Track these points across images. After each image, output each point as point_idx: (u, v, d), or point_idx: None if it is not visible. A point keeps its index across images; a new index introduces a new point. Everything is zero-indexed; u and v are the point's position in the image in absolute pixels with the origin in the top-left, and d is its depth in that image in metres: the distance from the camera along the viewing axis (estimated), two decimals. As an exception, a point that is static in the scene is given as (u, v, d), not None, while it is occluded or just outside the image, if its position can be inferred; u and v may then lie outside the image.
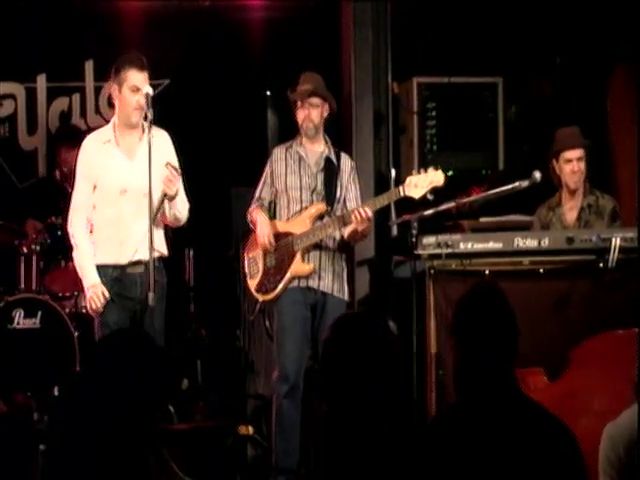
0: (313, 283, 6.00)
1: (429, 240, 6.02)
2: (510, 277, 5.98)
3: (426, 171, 5.88)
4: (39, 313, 6.87)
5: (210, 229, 7.10)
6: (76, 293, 7.09)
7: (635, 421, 3.14)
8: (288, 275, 5.99)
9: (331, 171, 6.10)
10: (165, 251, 5.74)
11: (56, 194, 7.43)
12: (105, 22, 8.04)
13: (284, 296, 6.00)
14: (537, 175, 6.01)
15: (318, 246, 6.02)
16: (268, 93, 8.12)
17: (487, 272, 6.01)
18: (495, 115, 7.41)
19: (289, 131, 6.32)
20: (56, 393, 6.75)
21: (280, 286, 6.00)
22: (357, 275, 6.70)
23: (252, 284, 6.17)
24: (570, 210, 6.54)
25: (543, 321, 5.82)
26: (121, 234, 5.59)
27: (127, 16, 8.13)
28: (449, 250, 6.00)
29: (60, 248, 7.02)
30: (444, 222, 6.62)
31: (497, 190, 6.21)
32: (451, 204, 6.15)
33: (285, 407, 5.93)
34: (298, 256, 6.00)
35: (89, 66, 8.33)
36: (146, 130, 5.53)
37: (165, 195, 5.55)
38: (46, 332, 6.85)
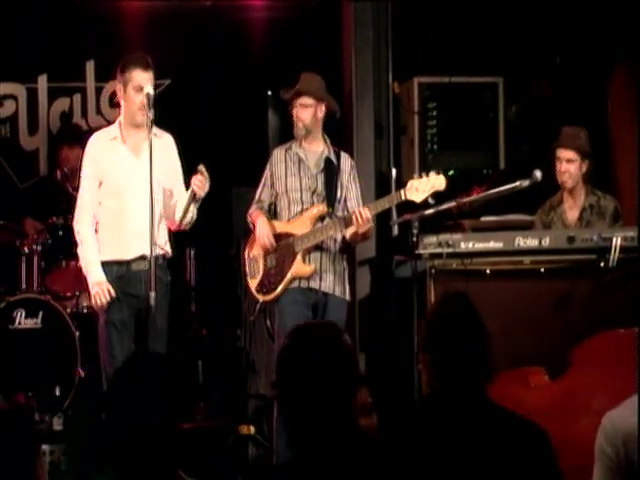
0: (314, 284, 6.00)
1: (430, 240, 6.02)
2: (511, 276, 6.00)
3: (428, 175, 5.89)
4: (40, 313, 6.87)
5: (211, 229, 7.08)
6: (77, 293, 7.09)
7: (635, 412, 3.15)
8: (289, 276, 5.99)
9: (331, 171, 6.10)
10: (169, 250, 5.76)
11: (57, 194, 7.43)
12: (106, 22, 8.04)
13: (285, 296, 6.01)
14: (538, 174, 6.01)
15: (319, 247, 6.03)
16: (269, 93, 8.11)
17: (488, 271, 6.01)
18: (496, 115, 7.40)
19: (290, 131, 6.31)
20: (57, 393, 6.75)
21: (280, 287, 6.01)
22: (358, 275, 6.70)
23: (253, 284, 6.17)
24: (571, 209, 6.54)
25: (544, 320, 5.83)
26: (126, 230, 5.62)
27: (128, 16, 8.13)
28: (450, 250, 6.00)
29: (61, 248, 7.03)
30: (445, 222, 6.62)
31: (498, 190, 6.21)
32: (452, 204, 6.14)
33: (286, 407, 5.92)
34: (299, 257, 6.00)
35: (90, 66, 8.33)
36: (154, 129, 5.58)
37: (194, 197, 5.60)
38: (47, 332, 6.85)
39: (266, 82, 8.08)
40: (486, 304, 5.83)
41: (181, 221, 5.73)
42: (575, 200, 6.54)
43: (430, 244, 6.02)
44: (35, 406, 6.56)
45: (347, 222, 5.92)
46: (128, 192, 5.64)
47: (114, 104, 7.84)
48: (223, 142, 8.01)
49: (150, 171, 5.45)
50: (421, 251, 6.02)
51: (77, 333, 6.84)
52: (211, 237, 7.53)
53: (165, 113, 5.82)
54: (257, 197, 6.20)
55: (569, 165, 6.45)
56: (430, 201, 5.86)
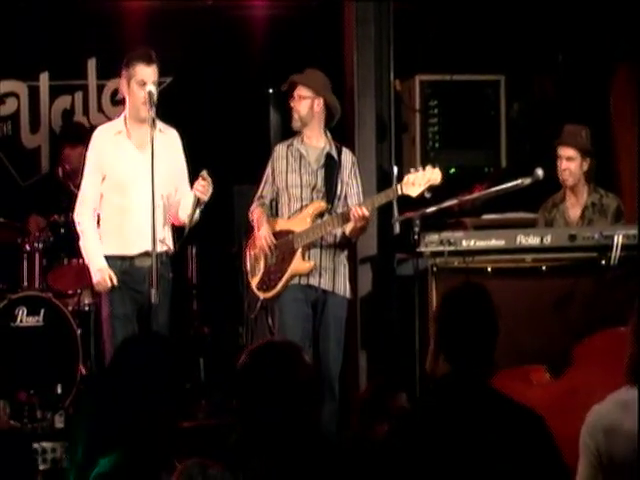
0: (313, 281, 6.00)
1: (431, 237, 6.02)
2: (512, 274, 5.99)
3: (424, 169, 5.89)
4: (42, 311, 6.87)
5: (212, 226, 7.07)
6: (79, 291, 7.10)
7: (616, 408, 3.16)
8: (288, 273, 6.00)
9: (332, 167, 6.11)
10: (172, 247, 5.77)
11: (59, 192, 7.44)
12: (107, 20, 8.05)
13: (285, 294, 6.01)
14: (539, 172, 6.01)
15: (319, 244, 6.03)
16: (270, 91, 8.11)
17: (489, 269, 6.01)
18: (497, 113, 7.40)
19: (291, 129, 6.32)
20: (59, 391, 6.75)
21: (280, 284, 6.01)
22: (360, 273, 6.70)
23: (253, 282, 6.18)
24: (573, 207, 6.54)
25: (545, 318, 5.82)
26: (129, 225, 5.63)
27: (130, 14, 8.14)
28: (451, 247, 6.00)
29: (63, 246, 7.04)
30: (446, 219, 6.62)
31: (499, 187, 6.21)
32: (453, 201, 6.15)
33: (287, 404, 5.93)
34: (298, 254, 6.00)
35: (92, 64, 8.33)
36: (157, 125, 5.59)
37: (199, 201, 5.61)
38: (49, 330, 6.86)
39: (267, 80, 8.08)
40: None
41: (187, 222, 5.73)
42: (577, 198, 6.54)
43: (432, 242, 6.01)
44: (37, 404, 6.57)
45: (346, 218, 5.92)
46: (132, 187, 5.64)
47: (116, 102, 7.86)
48: (224, 140, 8.02)
49: (152, 168, 5.45)
50: (423, 249, 6.02)
51: (79, 331, 6.85)
52: (213, 235, 7.53)
53: (167, 111, 5.82)
54: (259, 193, 6.20)
55: (569, 163, 6.45)
56: (426, 195, 5.85)
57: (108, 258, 5.66)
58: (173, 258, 5.84)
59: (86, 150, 5.85)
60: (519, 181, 6.07)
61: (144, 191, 5.57)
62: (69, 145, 7.52)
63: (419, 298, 5.97)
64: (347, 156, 6.19)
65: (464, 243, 6.03)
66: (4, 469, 2.93)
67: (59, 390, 6.76)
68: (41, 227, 7.19)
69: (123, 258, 5.66)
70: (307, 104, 6.08)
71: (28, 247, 7.12)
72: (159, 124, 5.65)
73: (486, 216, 6.76)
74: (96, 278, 5.65)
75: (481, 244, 6.04)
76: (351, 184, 6.14)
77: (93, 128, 6.14)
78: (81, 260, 6.69)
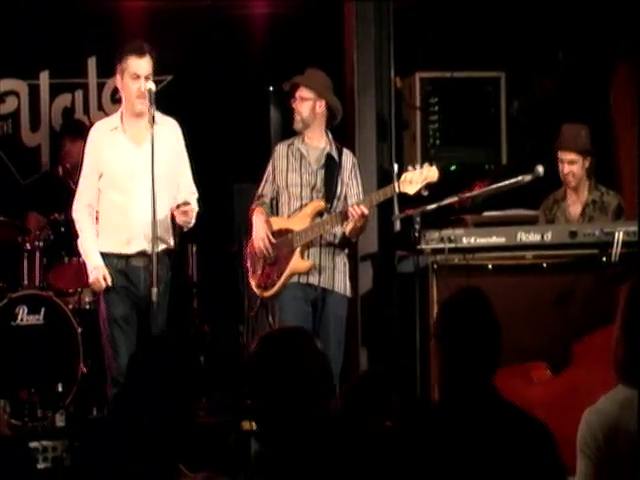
0: (313, 279, 6.00)
1: (432, 235, 6.02)
2: (513, 271, 6.00)
3: (421, 167, 5.89)
4: (43, 309, 6.86)
5: (213, 225, 7.09)
6: (80, 289, 7.09)
7: (614, 406, 3.16)
8: (287, 272, 6.00)
9: (332, 168, 6.11)
10: (172, 243, 5.74)
11: (59, 190, 7.43)
12: (108, 19, 8.04)
13: (285, 292, 6.01)
14: (540, 169, 6.00)
15: (318, 242, 6.03)
16: (271, 89, 8.11)
17: (490, 267, 6.01)
18: (498, 110, 7.39)
19: (292, 127, 6.31)
20: (60, 389, 6.75)
21: (279, 282, 6.01)
22: (360, 270, 6.69)
23: (253, 280, 6.18)
24: (574, 204, 6.54)
25: (546, 315, 5.82)
26: (126, 223, 5.60)
27: (130, 13, 8.14)
28: (452, 245, 6.00)
29: (63, 244, 7.03)
30: (447, 217, 6.61)
31: (500, 184, 6.20)
32: (454, 199, 6.15)
33: (287, 402, 5.93)
34: (297, 252, 6.00)
35: (92, 63, 8.33)
36: (155, 117, 5.54)
37: (182, 229, 5.63)
38: (50, 328, 6.85)
39: (268, 78, 8.08)
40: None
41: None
42: (578, 195, 6.54)
43: (432, 239, 6.02)
44: (37, 402, 6.57)
45: (345, 217, 5.92)
46: (129, 183, 5.61)
47: (116, 100, 7.84)
48: (225, 138, 8.01)
49: (152, 167, 5.41)
50: (423, 246, 6.02)
51: (79, 329, 6.84)
52: (213, 233, 7.53)
53: (167, 109, 5.81)
54: (259, 192, 6.20)
55: (572, 166, 6.45)
56: (423, 193, 5.86)
57: (104, 255, 5.63)
58: (173, 256, 5.81)
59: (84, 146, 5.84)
60: (519, 178, 6.06)
61: (141, 187, 5.54)
62: (69, 141, 7.52)
63: (420, 295, 5.97)
64: (348, 157, 6.19)
65: (465, 240, 6.03)
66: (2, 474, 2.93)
67: (60, 389, 6.76)
68: (40, 225, 7.18)
69: (119, 256, 5.63)
70: (309, 106, 6.08)
71: (28, 245, 7.11)
72: (157, 115, 5.58)
73: (487, 213, 6.75)
74: (91, 277, 5.63)
75: (482, 241, 6.04)
76: (351, 185, 6.14)
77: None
78: (81, 258, 6.69)
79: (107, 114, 7.97)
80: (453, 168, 7.16)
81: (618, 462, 3.11)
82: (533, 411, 3.27)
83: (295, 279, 6.02)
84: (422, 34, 7.58)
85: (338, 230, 6.05)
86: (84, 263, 5.81)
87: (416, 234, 6.01)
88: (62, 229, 7.05)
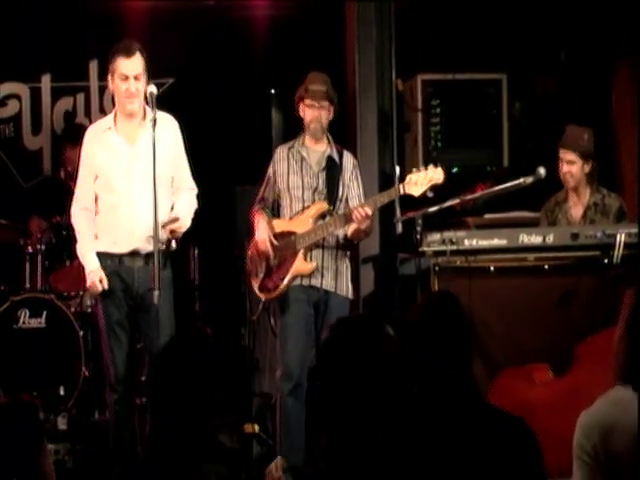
0: (315, 281, 6.00)
1: (434, 237, 6.01)
2: (515, 273, 5.99)
3: (426, 169, 5.89)
4: (44, 313, 6.87)
5: (215, 228, 7.10)
6: (81, 292, 7.09)
7: (609, 407, 3.15)
8: (290, 274, 5.99)
9: (333, 170, 6.10)
10: (173, 244, 5.69)
11: (61, 193, 7.41)
12: (109, 22, 8.03)
13: (287, 295, 6.00)
14: (541, 171, 6.00)
15: (320, 245, 6.02)
16: (272, 91, 8.11)
17: (492, 269, 6.01)
18: (499, 112, 7.39)
19: (293, 129, 6.32)
20: (62, 392, 6.75)
21: (282, 285, 6.00)
22: (362, 272, 6.70)
23: (255, 283, 6.17)
24: (575, 207, 6.52)
25: (548, 317, 5.81)
26: (118, 222, 5.57)
27: (131, 15, 8.14)
28: (454, 247, 5.99)
29: (65, 247, 7.03)
30: (449, 219, 6.61)
31: (501, 186, 6.20)
32: (455, 201, 6.14)
33: (289, 405, 5.94)
34: (300, 255, 6.00)
35: (93, 66, 8.34)
36: (147, 115, 5.52)
37: (170, 242, 5.60)
38: (51, 332, 6.86)
39: (269, 80, 8.08)
40: (490, 301, 5.89)
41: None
42: (580, 198, 6.52)
43: (434, 241, 6.01)
44: (39, 405, 6.56)
45: (348, 219, 5.92)
46: (122, 183, 5.57)
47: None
48: (226, 141, 8.01)
49: (154, 171, 5.36)
50: (425, 248, 6.01)
51: (81, 332, 6.85)
52: (215, 236, 7.53)
53: (168, 112, 5.80)
54: (260, 195, 6.19)
55: (570, 166, 6.43)
56: (429, 194, 5.85)
57: (100, 255, 5.59)
58: (173, 256, 5.77)
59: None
60: (521, 180, 6.06)
61: (136, 187, 5.53)
62: (70, 146, 7.51)
63: (421, 297, 5.96)
64: (348, 159, 6.18)
65: (466, 242, 6.02)
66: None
67: (62, 392, 6.77)
68: (42, 229, 7.18)
69: (112, 256, 5.59)
70: (327, 114, 6.08)
71: (30, 249, 7.12)
72: (150, 112, 5.53)
73: (488, 215, 6.75)
74: (88, 281, 5.60)
75: (483, 243, 6.03)
76: (352, 187, 6.14)
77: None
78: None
79: (109, 117, 8.00)
80: (455, 170, 7.16)
81: (614, 465, 3.10)
82: (535, 412, 3.29)
83: (298, 281, 6.01)
84: (423, 36, 7.58)
85: (340, 232, 6.05)
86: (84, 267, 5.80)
87: (418, 236, 6.00)
88: (64, 232, 7.05)
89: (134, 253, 5.57)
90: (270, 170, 6.18)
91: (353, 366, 2.87)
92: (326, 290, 6.01)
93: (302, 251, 6.00)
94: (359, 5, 6.97)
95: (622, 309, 3.30)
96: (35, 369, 6.77)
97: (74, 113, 8.38)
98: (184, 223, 5.63)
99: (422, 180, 5.83)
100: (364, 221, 5.85)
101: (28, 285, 7.08)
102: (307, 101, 6.06)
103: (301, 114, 6.12)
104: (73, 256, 6.90)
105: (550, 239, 6.02)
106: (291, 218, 6.09)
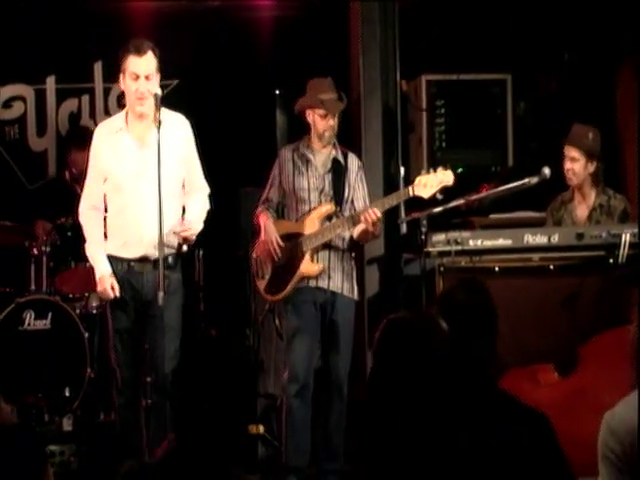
0: (322, 283, 5.99)
1: (438, 237, 6.02)
2: (520, 274, 5.99)
3: (435, 171, 5.89)
4: (49, 314, 6.86)
5: (219, 229, 7.08)
6: (86, 294, 7.09)
7: (635, 411, 3.13)
8: (297, 275, 5.99)
9: (338, 172, 6.10)
10: (184, 247, 5.63)
11: (66, 195, 7.42)
12: (113, 23, 8.03)
13: (293, 296, 6.00)
14: (546, 171, 6.00)
15: (327, 246, 6.02)
16: (277, 92, 8.10)
17: (497, 269, 6.00)
18: (504, 111, 7.38)
19: (298, 131, 6.31)
20: (67, 394, 6.75)
21: (289, 286, 6.00)
22: (367, 273, 6.69)
23: (261, 284, 6.16)
24: (581, 207, 6.51)
25: (553, 317, 5.82)
26: (128, 226, 5.52)
27: (135, 17, 8.13)
28: (459, 247, 6.00)
29: (70, 249, 7.03)
30: (453, 219, 6.61)
31: (506, 187, 6.20)
32: (460, 201, 6.14)
33: (295, 406, 5.94)
34: (307, 256, 6.00)
35: (98, 67, 8.33)
36: (158, 116, 5.44)
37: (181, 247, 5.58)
38: (57, 333, 6.85)
39: (274, 81, 8.08)
40: (495, 301, 5.88)
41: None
42: (585, 198, 6.51)
43: (439, 242, 6.01)
44: (45, 407, 6.57)
45: (355, 221, 5.91)
46: (131, 186, 5.51)
47: (123, 105, 7.84)
48: (231, 142, 8.01)
49: (159, 174, 5.33)
50: (430, 249, 6.02)
51: (86, 334, 6.84)
52: (219, 237, 7.53)
53: (173, 113, 5.80)
54: (265, 196, 6.19)
55: (573, 164, 6.42)
56: (438, 196, 5.85)
57: (111, 259, 5.57)
58: (182, 259, 5.75)
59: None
60: (526, 180, 6.06)
61: (145, 190, 5.44)
62: (75, 150, 7.51)
63: (426, 298, 5.96)
64: (353, 161, 6.18)
65: (471, 243, 6.03)
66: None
67: (67, 393, 6.76)
68: (48, 230, 7.17)
69: (121, 261, 5.56)
70: (337, 120, 6.08)
71: (35, 250, 7.10)
72: (162, 113, 5.48)
73: (493, 215, 6.75)
74: (99, 287, 5.58)
75: (488, 243, 6.03)
76: (357, 188, 6.14)
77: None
78: (88, 263, 6.69)
79: (113, 118, 8.01)
80: (460, 170, 7.13)
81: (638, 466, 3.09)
82: (540, 413, 3.26)
83: (304, 283, 6.01)
84: (427, 36, 7.58)
85: (347, 234, 6.05)
86: (92, 268, 5.78)
87: (422, 237, 6.01)
88: (69, 234, 7.04)
89: (143, 259, 5.52)
90: (275, 171, 6.17)
91: (408, 366, 2.85)
92: (333, 291, 6.01)
93: (309, 252, 6.00)
94: (363, 5, 6.96)
95: (633, 309, 3.29)
96: (40, 370, 6.76)
97: (79, 115, 8.37)
98: (195, 228, 5.59)
99: (432, 182, 5.83)
100: (374, 224, 5.84)
101: (33, 287, 7.07)
102: (320, 111, 6.04)
103: (309, 120, 6.10)
104: (78, 258, 6.92)
105: (555, 239, 6.02)
106: (297, 219, 6.09)
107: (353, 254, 6.16)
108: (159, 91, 5.51)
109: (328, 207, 6.04)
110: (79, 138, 7.61)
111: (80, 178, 7.21)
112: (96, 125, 7.99)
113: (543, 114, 7.77)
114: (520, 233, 6.06)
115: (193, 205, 5.68)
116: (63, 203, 7.32)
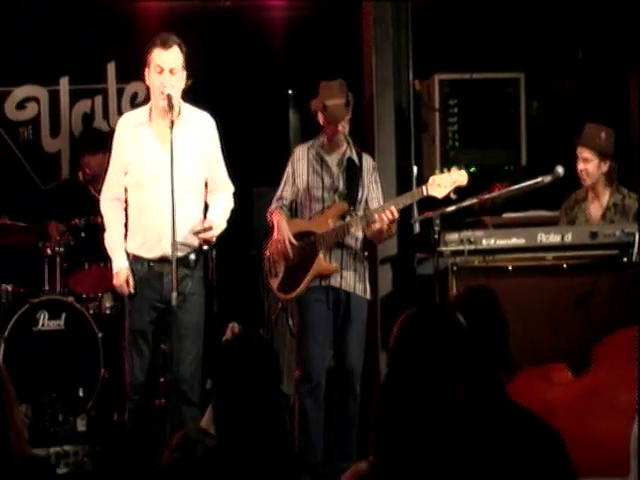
0: (335, 282, 5.99)
1: (452, 237, 6.01)
2: (533, 273, 5.98)
3: (449, 170, 5.88)
4: (63, 315, 6.89)
5: (232, 228, 7.08)
6: (100, 294, 7.10)
7: None
8: (310, 274, 5.99)
9: (353, 171, 6.10)
10: (199, 245, 5.55)
11: (79, 196, 7.45)
12: (127, 24, 8.05)
13: (306, 295, 6.00)
14: (560, 170, 5.98)
15: (340, 245, 6.02)
16: (290, 92, 8.11)
17: (510, 268, 5.99)
18: (517, 111, 7.36)
19: (311, 130, 6.31)
20: (81, 394, 6.77)
21: (302, 285, 5.99)
22: (380, 272, 6.69)
23: (274, 283, 6.16)
24: (595, 207, 6.49)
25: (567, 316, 5.80)
26: (148, 225, 5.45)
27: (148, 17, 8.15)
28: (472, 246, 5.99)
29: (84, 250, 7.05)
30: (466, 218, 6.60)
31: (519, 186, 6.19)
32: (473, 200, 6.13)
33: (308, 406, 5.94)
34: (320, 255, 6.00)
35: (111, 68, 8.36)
36: (182, 113, 5.40)
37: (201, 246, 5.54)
38: (70, 333, 6.87)
39: (287, 81, 8.08)
40: (508, 301, 5.80)
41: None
42: (599, 197, 6.49)
43: (452, 241, 6.00)
44: (59, 407, 6.58)
45: (369, 220, 5.91)
46: (151, 184, 5.42)
47: (136, 105, 7.86)
48: (244, 142, 8.00)
49: (171, 172, 5.27)
50: (443, 248, 6.01)
51: (100, 334, 6.86)
52: (232, 237, 7.52)
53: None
54: (278, 194, 6.18)
55: (586, 164, 6.40)
56: (452, 196, 5.85)
57: (130, 257, 5.51)
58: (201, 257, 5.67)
59: (105, 158, 5.75)
60: (539, 179, 6.05)
61: (164, 190, 5.28)
62: (88, 154, 7.53)
63: (439, 297, 5.95)
64: (367, 161, 6.18)
65: (484, 242, 6.02)
66: None
67: (81, 393, 6.78)
68: (61, 231, 7.19)
69: (142, 261, 5.49)
70: (346, 123, 6.08)
71: (49, 251, 7.13)
72: (187, 111, 5.45)
73: (506, 215, 6.73)
74: (115, 280, 5.52)
75: (501, 243, 6.02)
76: (372, 188, 6.14)
77: (113, 132, 6.00)
78: (102, 264, 6.70)
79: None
80: (472, 170, 7.13)
81: None
82: (554, 412, 3.26)
83: (317, 282, 6.01)
84: (440, 35, 7.57)
85: (360, 233, 6.04)
86: (106, 269, 5.73)
87: (435, 236, 6.00)
88: (82, 235, 7.06)
89: (163, 259, 5.42)
90: (289, 169, 6.17)
91: (425, 360, 2.84)
92: (346, 291, 6.00)
93: (322, 251, 6.00)
94: (376, 5, 6.96)
95: None
96: (54, 371, 6.78)
97: (92, 115, 8.39)
98: (217, 228, 5.54)
99: (445, 182, 5.83)
100: (391, 223, 5.84)
101: (47, 287, 7.10)
102: (328, 110, 6.05)
103: (320, 122, 6.11)
104: (92, 259, 6.94)
105: (569, 238, 6.01)
106: (310, 218, 6.08)
107: (366, 253, 6.16)
108: (172, 92, 5.38)
109: (342, 206, 6.04)
110: (92, 141, 7.64)
111: (94, 179, 7.26)
112: (109, 126, 8.10)
113: (556, 113, 7.76)
114: (533, 232, 6.04)
115: (217, 204, 5.64)
116: (77, 204, 7.35)
